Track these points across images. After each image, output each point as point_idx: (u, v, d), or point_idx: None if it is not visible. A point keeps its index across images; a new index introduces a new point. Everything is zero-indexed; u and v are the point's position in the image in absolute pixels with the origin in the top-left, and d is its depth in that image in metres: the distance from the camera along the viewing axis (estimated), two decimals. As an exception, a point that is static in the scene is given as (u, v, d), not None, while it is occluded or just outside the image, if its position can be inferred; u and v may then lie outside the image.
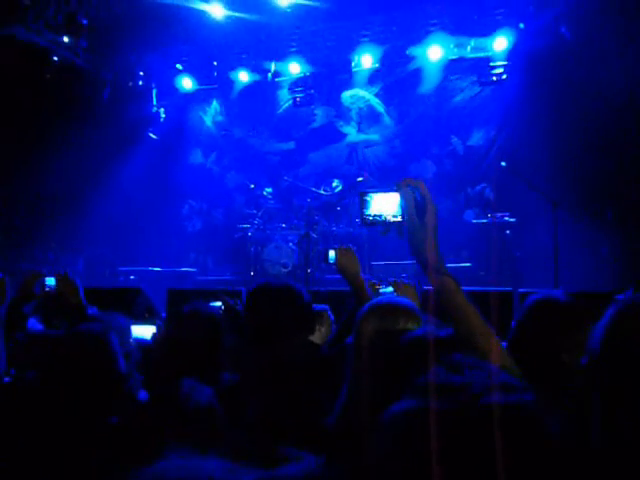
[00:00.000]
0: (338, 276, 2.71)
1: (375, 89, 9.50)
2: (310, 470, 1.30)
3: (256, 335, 2.20)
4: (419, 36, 8.56)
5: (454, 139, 8.95)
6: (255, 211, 8.78)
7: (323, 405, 1.62)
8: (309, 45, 9.12)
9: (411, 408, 0.67)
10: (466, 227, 7.96)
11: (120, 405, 1.88)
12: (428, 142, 9.09)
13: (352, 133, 9.67)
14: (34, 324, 3.05)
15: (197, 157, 10.32)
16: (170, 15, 7.65)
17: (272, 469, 1.28)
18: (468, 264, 7.30)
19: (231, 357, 2.33)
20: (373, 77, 9.39)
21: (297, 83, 9.66)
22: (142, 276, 8.45)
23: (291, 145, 9.95)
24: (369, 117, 9.57)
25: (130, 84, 9.69)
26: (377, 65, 9.15)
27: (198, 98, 10.28)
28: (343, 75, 9.51)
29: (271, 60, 9.49)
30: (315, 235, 7.82)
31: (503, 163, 6.42)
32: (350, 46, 9.00)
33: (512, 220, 7.29)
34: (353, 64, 9.27)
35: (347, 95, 9.65)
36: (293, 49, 9.19)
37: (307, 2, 7.71)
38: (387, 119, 9.45)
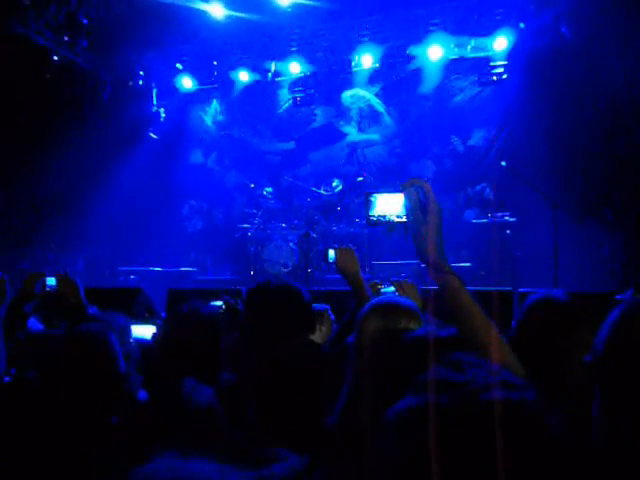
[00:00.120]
0: (338, 276, 2.71)
1: (375, 89, 9.50)
2: (294, 469, 1.31)
3: (256, 335, 2.20)
4: (419, 36, 8.56)
5: (454, 139, 8.96)
6: (255, 211, 8.79)
7: (323, 405, 1.62)
8: (309, 45, 9.12)
9: (413, 406, 0.67)
10: (466, 227, 7.96)
11: (120, 405, 1.88)
12: (428, 142, 9.09)
13: (352, 133, 9.67)
14: (34, 324, 3.05)
15: (197, 157, 10.32)
16: (170, 15, 7.65)
17: (259, 469, 1.28)
18: (468, 264, 7.30)
19: (230, 357, 2.32)
20: (373, 77, 9.40)
21: (297, 83, 9.66)
22: (142, 276, 8.45)
23: (291, 145, 9.95)
24: (369, 117, 9.57)
25: (130, 84, 9.69)
26: (377, 65, 9.15)
27: (198, 98, 10.28)
28: (343, 75, 9.52)
29: (271, 60, 9.49)
30: (315, 235, 7.83)
31: (503, 163, 6.42)
32: (350, 46, 9.01)
33: (512, 220, 7.30)
34: (353, 64, 9.27)
35: (347, 95, 9.65)
36: (293, 49, 9.19)
37: (307, 2, 7.71)
38: (387, 119, 9.45)
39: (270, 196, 9.04)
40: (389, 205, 1.49)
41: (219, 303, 2.88)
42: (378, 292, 2.65)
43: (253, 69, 9.65)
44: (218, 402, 1.84)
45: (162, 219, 9.40)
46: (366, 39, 8.85)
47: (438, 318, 1.81)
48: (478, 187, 8.57)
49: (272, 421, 1.82)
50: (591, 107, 7.00)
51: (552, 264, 5.57)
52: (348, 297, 2.73)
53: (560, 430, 0.66)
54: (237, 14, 7.97)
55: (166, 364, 2.18)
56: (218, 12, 7.99)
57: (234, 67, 9.61)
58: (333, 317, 3.19)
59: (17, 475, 1.67)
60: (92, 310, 2.69)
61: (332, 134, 9.73)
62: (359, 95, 9.61)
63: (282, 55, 9.33)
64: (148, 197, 9.26)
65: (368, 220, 1.53)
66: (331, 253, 2.75)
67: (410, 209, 1.39)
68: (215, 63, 9.70)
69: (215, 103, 10.34)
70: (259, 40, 9.03)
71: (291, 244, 7.98)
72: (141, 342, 2.31)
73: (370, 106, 9.57)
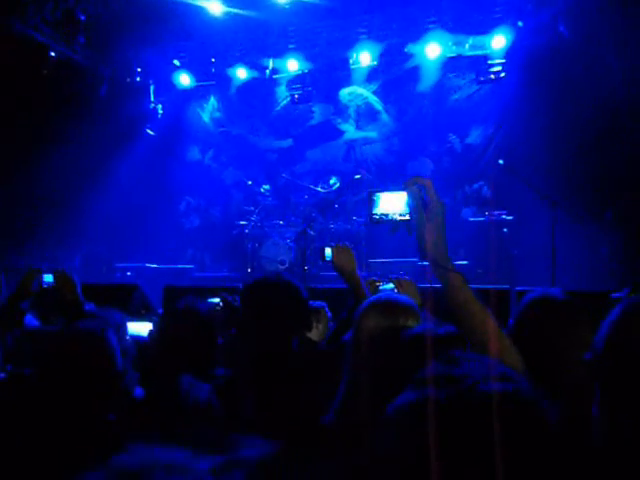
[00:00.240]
0: (335, 273, 2.71)
1: (373, 86, 9.49)
2: (266, 453, 1.31)
3: (253, 331, 2.20)
4: (417, 34, 8.55)
5: (452, 137, 8.96)
6: (252, 208, 8.79)
7: (320, 402, 1.62)
8: (307, 42, 9.10)
9: (411, 400, 0.68)
10: (463, 225, 7.96)
11: (117, 402, 1.87)
12: (426, 140, 9.09)
13: (350, 130, 9.66)
14: (31, 320, 3.05)
15: (195, 154, 10.30)
16: (168, 11, 7.63)
17: (229, 454, 1.29)
18: (465, 262, 7.30)
19: (226, 353, 2.32)
20: (371, 74, 9.38)
21: (295, 80, 9.63)
22: (139, 273, 8.44)
23: (289, 142, 9.94)
24: (367, 114, 9.57)
25: (128, 80, 9.65)
26: (375, 62, 9.14)
27: (196, 94, 10.25)
28: (341, 72, 9.50)
29: (269, 57, 9.47)
30: (312, 232, 7.82)
31: (501, 161, 6.43)
32: (348, 43, 8.98)
33: (509, 218, 7.29)
34: (351, 61, 9.25)
35: (345, 92, 9.64)
36: (291, 46, 9.16)
37: (305, -1, 7.69)
38: (385, 116, 9.45)
39: (267, 193, 9.04)
40: (392, 204, 1.49)
41: (216, 300, 2.89)
42: (376, 289, 2.64)
43: (251, 66, 9.62)
44: (215, 398, 1.84)
45: (159, 216, 9.38)
46: (364, 37, 8.83)
47: (436, 316, 1.81)
48: (475, 185, 8.57)
49: (268, 417, 1.82)
50: (589, 106, 7.00)
51: (549, 263, 5.57)
52: (345, 295, 2.73)
53: (556, 420, 0.67)
54: (235, 11, 7.95)
55: (162, 361, 2.18)
56: (216, 9, 7.96)
57: (232, 64, 9.58)
58: (330, 315, 3.19)
59: (13, 472, 1.67)
60: (89, 307, 2.69)
61: (330, 132, 9.73)
62: (357, 93, 9.60)
63: (280, 52, 9.30)
64: (145, 194, 9.24)
65: (371, 218, 1.53)
66: (328, 251, 2.75)
67: (413, 207, 1.40)
68: (213, 60, 9.66)
69: (213, 100, 10.32)
70: (257, 37, 9.00)
71: (288, 241, 7.98)
72: (137, 339, 2.31)
73: (368, 104, 9.56)
